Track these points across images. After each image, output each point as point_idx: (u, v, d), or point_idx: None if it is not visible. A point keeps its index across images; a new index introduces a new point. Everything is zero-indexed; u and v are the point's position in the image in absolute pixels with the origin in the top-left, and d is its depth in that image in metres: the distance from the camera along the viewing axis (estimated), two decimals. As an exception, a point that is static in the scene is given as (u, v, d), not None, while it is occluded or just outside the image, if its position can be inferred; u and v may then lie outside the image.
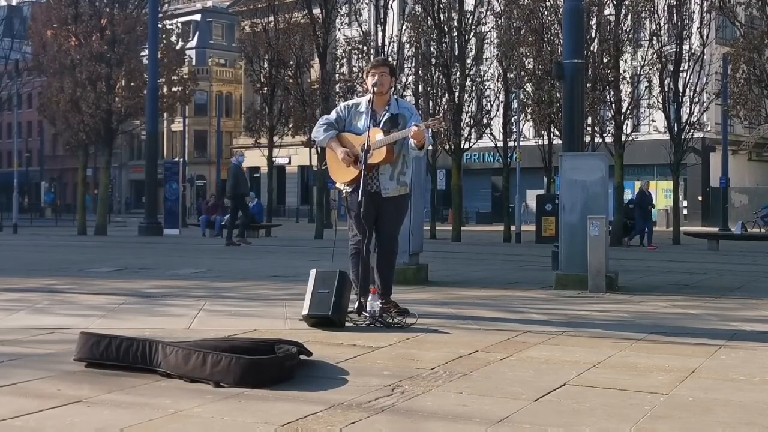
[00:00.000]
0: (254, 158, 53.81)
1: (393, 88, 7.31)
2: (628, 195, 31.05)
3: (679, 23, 26.48)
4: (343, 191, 7.19)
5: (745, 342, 6.10)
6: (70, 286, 9.68)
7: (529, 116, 28.27)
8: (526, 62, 26.76)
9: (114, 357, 4.76)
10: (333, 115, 7.31)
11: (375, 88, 7.06)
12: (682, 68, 26.53)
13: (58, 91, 28.23)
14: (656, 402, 4.21)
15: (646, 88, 27.37)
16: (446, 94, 27.00)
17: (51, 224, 41.34)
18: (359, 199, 6.81)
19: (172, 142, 73.13)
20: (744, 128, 41.84)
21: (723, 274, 13.06)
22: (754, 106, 21.29)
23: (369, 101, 7.17)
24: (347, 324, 6.51)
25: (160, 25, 29.43)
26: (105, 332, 5.09)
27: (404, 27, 28.55)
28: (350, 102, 7.50)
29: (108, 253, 17.47)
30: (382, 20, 28.23)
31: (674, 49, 26.38)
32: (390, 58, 27.87)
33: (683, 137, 26.61)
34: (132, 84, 29.27)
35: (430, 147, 7.08)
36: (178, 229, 28.28)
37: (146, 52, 28.31)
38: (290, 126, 35.18)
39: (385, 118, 7.07)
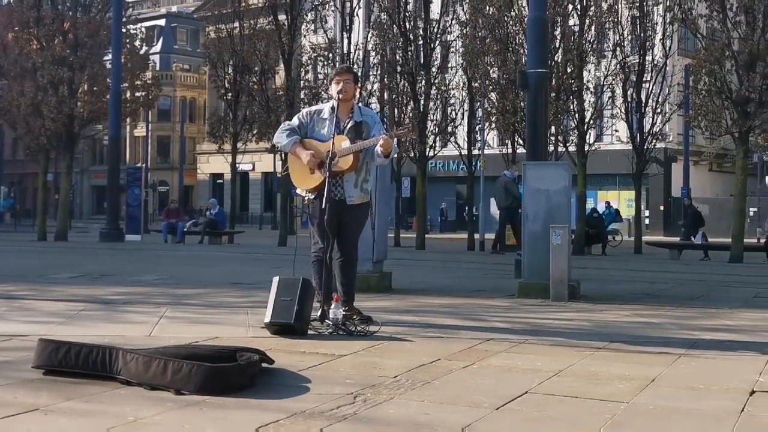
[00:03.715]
0: (217, 164, 53.64)
1: (357, 96, 7.30)
2: (590, 204, 31.28)
3: (642, 34, 26.75)
4: (305, 198, 7.15)
5: (705, 351, 6.16)
6: (28, 292, 9.56)
7: (493, 125, 28.38)
8: (491, 71, 26.86)
9: (73, 364, 4.70)
10: (295, 121, 7.26)
11: (340, 96, 7.04)
12: (645, 79, 26.80)
13: (18, 94, 27.88)
14: (617, 410, 4.23)
15: (609, 98, 27.59)
16: (411, 102, 27.06)
17: (10, 230, 40.80)
18: (323, 206, 6.79)
19: (134, 147, 72.58)
20: (705, 139, 42.32)
21: (684, 284, 13.19)
22: (715, 117, 21.49)
23: (332, 108, 7.15)
24: (310, 332, 6.48)
25: (123, 30, 29.18)
26: (64, 339, 5.03)
27: (370, 35, 28.59)
28: (312, 108, 7.46)
29: (68, 259, 17.28)
30: (347, 27, 28.25)
31: (637, 60, 26.63)
32: (355, 66, 27.92)
33: (646, 147, 26.86)
34: (95, 88, 28.97)
35: (396, 155, 7.08)
36: (140, 235, 28.07)
37: (109, 56, 28.08)
38: (254, 132, 34.98)
39: (349, 125, 7.07)
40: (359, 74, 28.41)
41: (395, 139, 6.94)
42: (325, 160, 6.88)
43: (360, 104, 7.48)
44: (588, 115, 25.88)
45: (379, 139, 6.82)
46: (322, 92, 28.61)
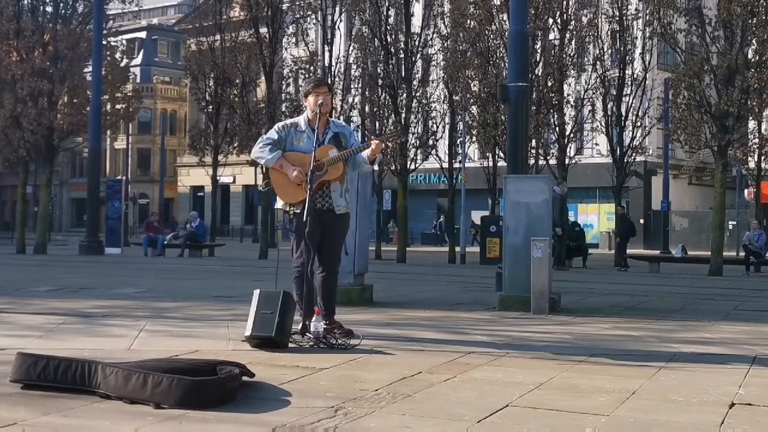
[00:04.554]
0: (198, 177, 53.51)
1: (335, 108, 7.34)
2: (571, 218, 31.36)
3: (622, 48, 26.97)
4: (290, 212, 7.08)
5: (685, 363, 6.18)
6: (6, 305, 9.47)
7: (474, 138, 28.48)
8: (472, 85, 26.99)
9: (52, 378, 4.66)
10: (273, 134, 7.17)
11: (321, 109, 7.01)
12: (624, 93, 27.00)
13: (-3, 106, 27.70)
14: (597, 423, 4.23)
15: (589, 111, 27.78)
16: (392, 115, 27.09)
17: (-11, 242, 40.51)
18: (305, 219, 6.74)
19: (114, 160, 72.28)
20: (685, 152, 42.56)
21: (663, 297, 13.23)
22: (694, 131, 21.62)
23: (307, 121, 7.13)
24: (291, 345, 6.45)
25: (104, 42, 29.08)
26: (43, 353, 4.99)
27: (351, 48, 28.65)
28: (288, 122, 7.40)
29: (47, 272, 17.17)
30: (329, 40, 28.32)
31: (617, 74, 26.83)
32: (336, 79, 27.99)
33: (626, 161, 27.03)
34: (75, 101, 28.83)
35: (377, 166, 7.06)
36: (120, 248, 27.94)
37: (90, 68, 27.97)
38: (235, 145, 35.00)
39: (329, 136, 7.07)
40: (340, 87, 28.51)
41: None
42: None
43: (334, 117, 7.49)
44: (568, 128, 26.03)
45: (370, 144, 6.86)
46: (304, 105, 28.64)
